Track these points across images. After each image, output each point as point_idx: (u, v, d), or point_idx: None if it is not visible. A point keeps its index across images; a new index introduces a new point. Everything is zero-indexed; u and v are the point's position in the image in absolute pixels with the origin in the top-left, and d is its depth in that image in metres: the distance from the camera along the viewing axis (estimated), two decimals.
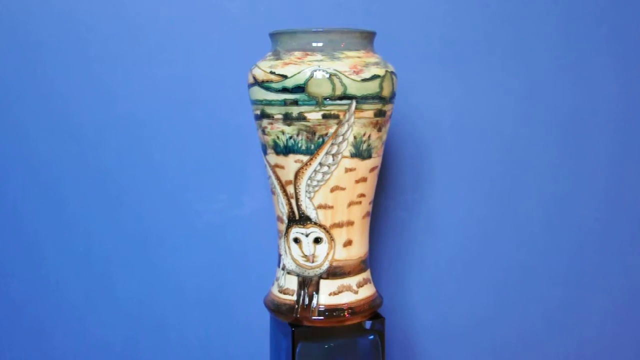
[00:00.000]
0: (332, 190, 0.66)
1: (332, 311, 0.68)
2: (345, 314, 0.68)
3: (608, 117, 0.91)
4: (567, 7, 0.88)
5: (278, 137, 0.66)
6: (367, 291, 0.70)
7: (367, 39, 0.68)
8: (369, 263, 0.72)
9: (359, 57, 0.65)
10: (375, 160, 0.68)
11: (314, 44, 0.65)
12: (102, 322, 0.86)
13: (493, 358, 0.92)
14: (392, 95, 0.67)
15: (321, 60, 0.64)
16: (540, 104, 0.89)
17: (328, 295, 0.68)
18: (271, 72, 0.65)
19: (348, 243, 0.68)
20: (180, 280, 0.87)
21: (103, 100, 0.83)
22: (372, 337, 0.70)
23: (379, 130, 0.67)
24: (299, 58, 0.64)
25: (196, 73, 0.84)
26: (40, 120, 0.83)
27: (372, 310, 0.70)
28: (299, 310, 0.68)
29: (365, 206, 0.69)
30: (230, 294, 0.87)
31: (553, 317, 0.93)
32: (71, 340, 0.86)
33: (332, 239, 0.68)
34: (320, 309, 0.68)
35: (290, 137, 0.65)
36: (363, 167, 0.67)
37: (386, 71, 0.66)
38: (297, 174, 0.66)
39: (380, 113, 0.66)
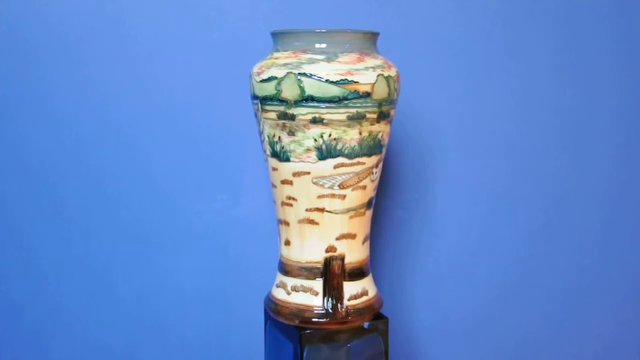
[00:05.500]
0: (272, 186, 0.69)
1: (270, 301, 0.70)
2: (273, 309, 0.69)
3: (608, 117, 0.91)
4: (566, 7, 0.89)
5: None
6: (301, 299, 0.68)
7: (371, 39, 0.66)
8: (323, 273, 0.67)
9: (270, 58, 0.65)
10: (298, 166, 0.65)
11: (317, 45, 0.67)
12: (101, 323, 0.86)
13: (493, 357, 0.92)
14: (305, 99, 0.62)
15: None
16: (540, 104, 0.90)
17: (275, 286, 0.71)
18: None
19: (287, 242, 0.69)
20: (179, 281, 0.87)
21: (102, 100, 0.83)
22: (292, 345, 0.68)
23: (291, 134, 0.64)
24: None
25: (195, 73, 0.83)
26: (39, 120, 0.82)
27: (299, 318, 0.67)
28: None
29: (299, 212, 0.66)
30: (229, 294, 0.87)
31: (553, 317, 0.93)
32: (71, 340, 0.86)
33: (279, 234, 0.70)
34: (268, 296, 0.71)
35: None
36: (284, 169, 0.66)
37: (288, 73, 0.63)
38: None
39: (284, 116, 0.64)
